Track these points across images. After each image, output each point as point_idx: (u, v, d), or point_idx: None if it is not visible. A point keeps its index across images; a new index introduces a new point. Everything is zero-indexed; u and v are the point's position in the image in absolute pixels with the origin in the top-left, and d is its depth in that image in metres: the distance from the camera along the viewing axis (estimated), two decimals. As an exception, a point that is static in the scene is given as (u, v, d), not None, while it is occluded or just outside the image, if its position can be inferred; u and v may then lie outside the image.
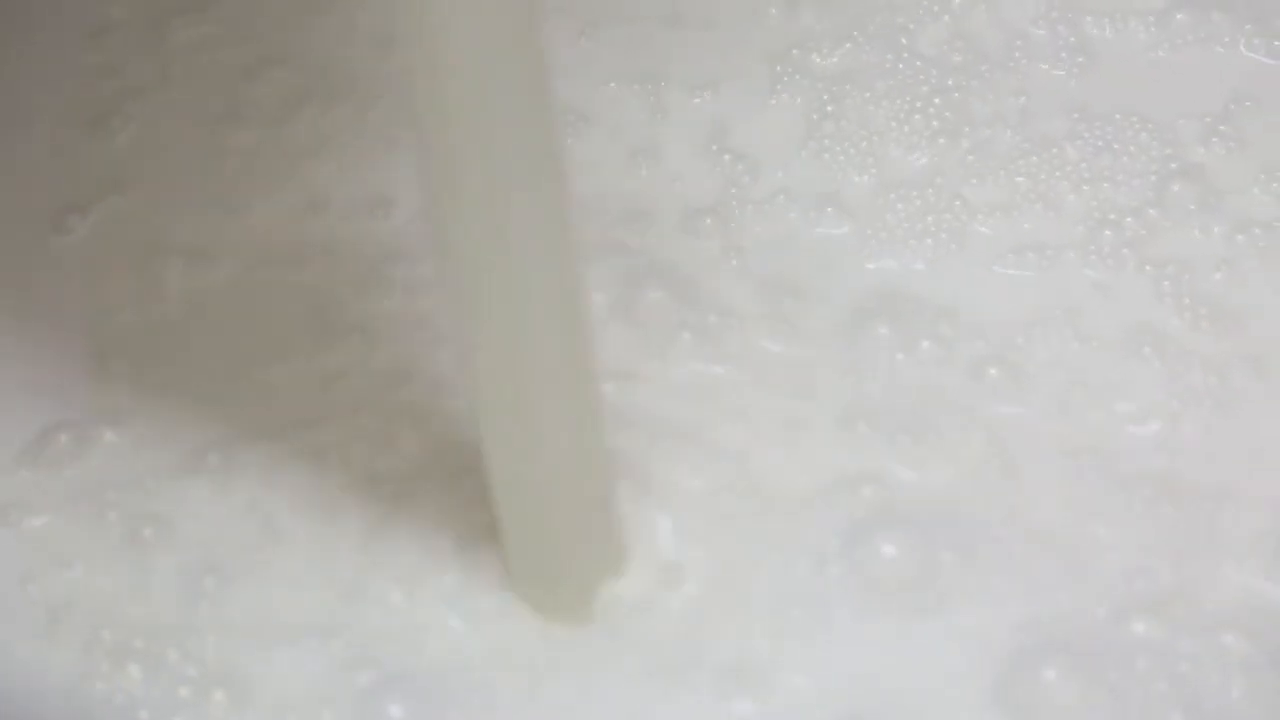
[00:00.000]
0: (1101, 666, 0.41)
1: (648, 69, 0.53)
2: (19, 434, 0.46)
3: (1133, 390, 0.46)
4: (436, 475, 0.45)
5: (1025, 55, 0.53)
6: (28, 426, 0.46)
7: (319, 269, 0.49)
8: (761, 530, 0.44)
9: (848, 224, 0.50)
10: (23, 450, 0.46)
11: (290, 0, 0.55)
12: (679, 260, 0.49)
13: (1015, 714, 0.41)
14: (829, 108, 0.52)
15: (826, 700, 0.41)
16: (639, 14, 0.54)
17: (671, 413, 0.46)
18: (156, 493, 0.45)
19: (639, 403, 0.46)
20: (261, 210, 0.50)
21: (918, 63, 0.53)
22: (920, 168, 0.51)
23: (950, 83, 0.52)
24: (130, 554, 0.44)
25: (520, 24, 0.35)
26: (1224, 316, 0.47)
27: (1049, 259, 0.49)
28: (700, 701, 0.41)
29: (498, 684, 0.42)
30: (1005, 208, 0.50)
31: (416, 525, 0.44)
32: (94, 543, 0.44)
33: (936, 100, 0.52)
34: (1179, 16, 0.53)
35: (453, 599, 0.43)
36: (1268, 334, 0.46)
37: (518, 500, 0.41)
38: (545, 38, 0.36)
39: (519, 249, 0.37)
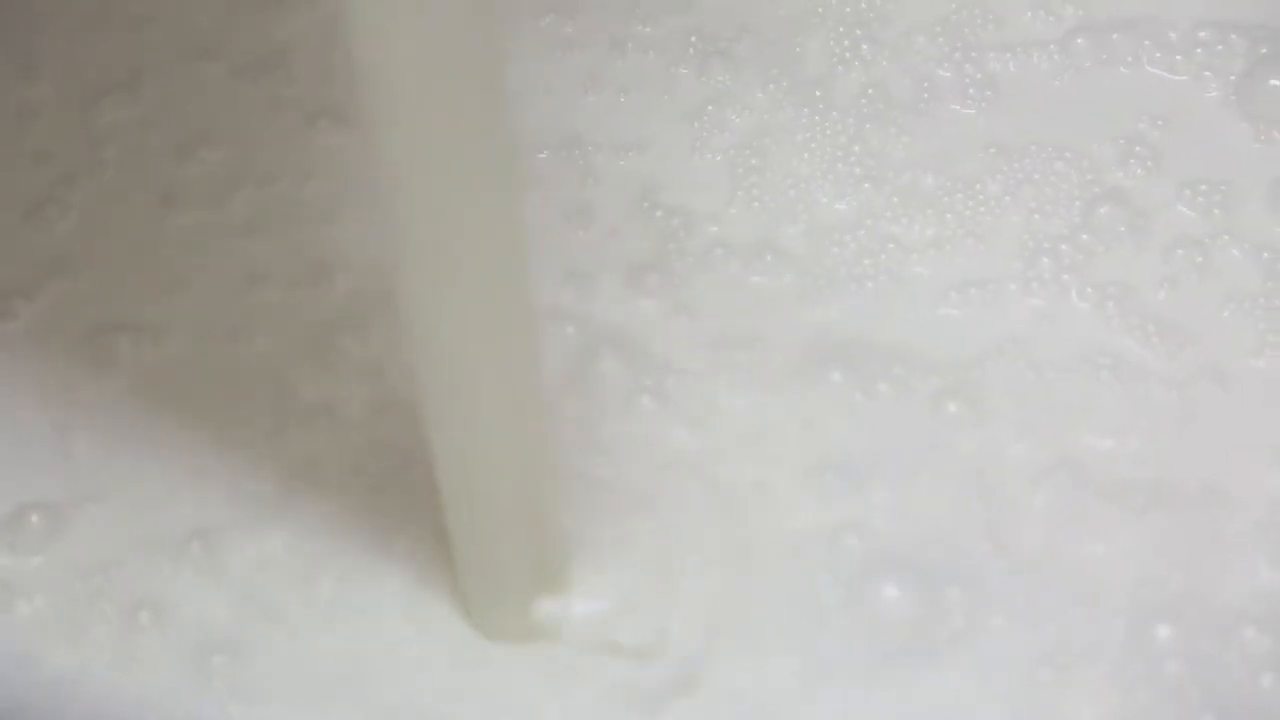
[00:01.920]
0: (1129, 679, 0.42)
1: (572, 134, 0.53)
2: None
3: (1097, 411, 0.47)
4: (416, 538, 0.45)
5: (934, 97, 0.54)
6: None
7: (267, 340, 0.49)
8: (750, 588, 0.44)
9: (788, 272, 0.50)
10: None
11: (215, 79, 0.54)
12: (626, 323, 0.49)
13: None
14: (752, 161, 0.53)
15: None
16: (556, 82, 0.54)
17: (637, 479, 0.46)
18: (144, 574, 0.45)
19: (602, 471, 0.46)
20: (204, 286, 0.50)
21: (833, 113, 0.54)
22: (849, 213, 0.52)
23: (867, 128, 0.53)
24: (131, 637, 0.44)
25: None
26: (1175, 332, 0.48)
27: (991, 292, 0.49)
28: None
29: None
30: (938, 245, 0.51)
31: (396, 586, 0.45)
32: (92, 625, 0.44)
33: (856, 148, 0.53)
34: (1079, 41, 0.54)
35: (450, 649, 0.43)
36: (1221, 345, 0.48)
37: (465, 523, 0.42)
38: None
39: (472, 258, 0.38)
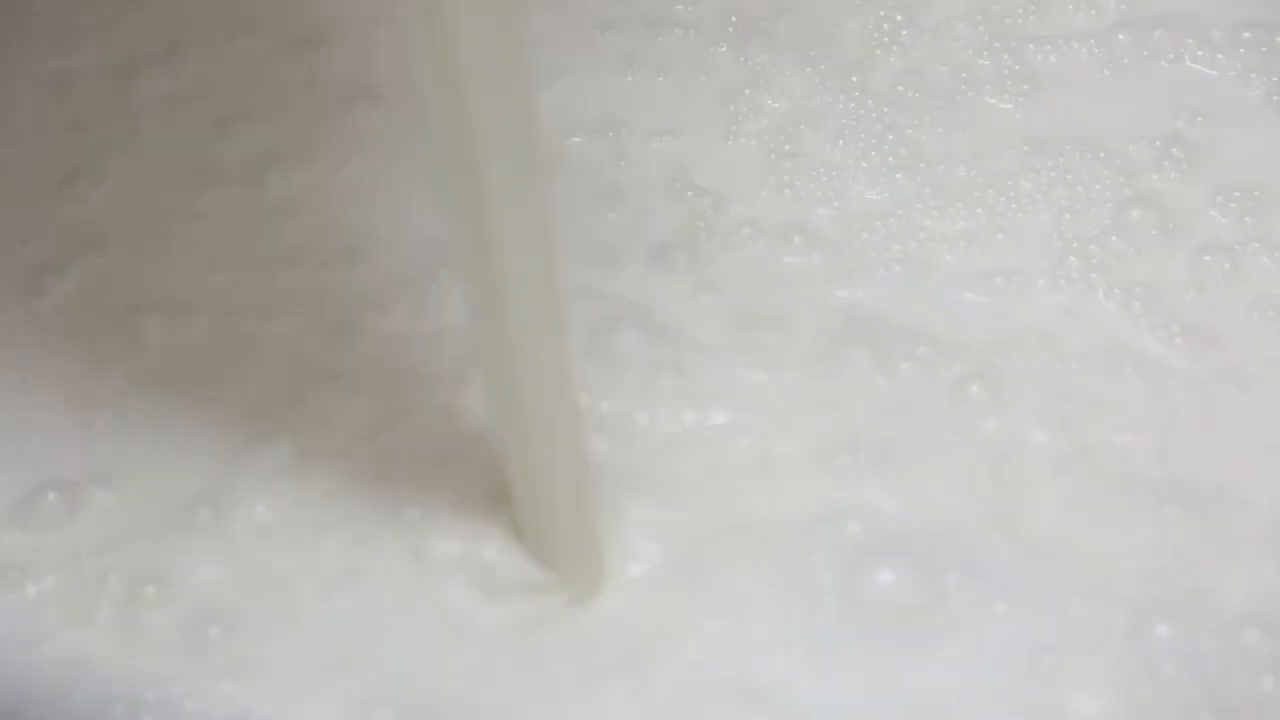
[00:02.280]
0: (1128, 675, 0.42)
1: (607, 116, 0.53)
2: (7, 494, 0.46)
3: (1118, 405, 0.47)
4: (421, 507, 0.45)
5: (972, 89, 0.54)
6: (15, 487, 0.46)
7: (295, 320, 0.49)
8: (754, 566, 0.44)
9: (816, 253, 0.50)
10: (11, 511, 0.46)
11: (254, 54, 0.54)
12: (652, 300, 0.49)
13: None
14: (786, 146, 0.53)
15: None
16: (594, 63, 0.54)
17: (655, 453, 0.46)
18: (152, 548, 0.45)
19: (621, 445, 0.46)
20: (236, 265, 0.50)
21: (869, 101, 0.53)
22: (880, 201, 0.51)
23: (902, 118, 0.53)
24: (134, 611, 0.44)
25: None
26: (1198, 335, 0.48)
27: (1018, 285, 0.49)
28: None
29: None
30: (968, 238, 0.50)
31: (405, 558, 0.45)
32: (99, 602, 0.44)
33: (890, 137, 0.53)
34: (1120, 36, 0.54)
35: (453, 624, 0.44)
36: (1244, 350, 0.47)
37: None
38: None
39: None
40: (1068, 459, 0.46)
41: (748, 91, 0.54)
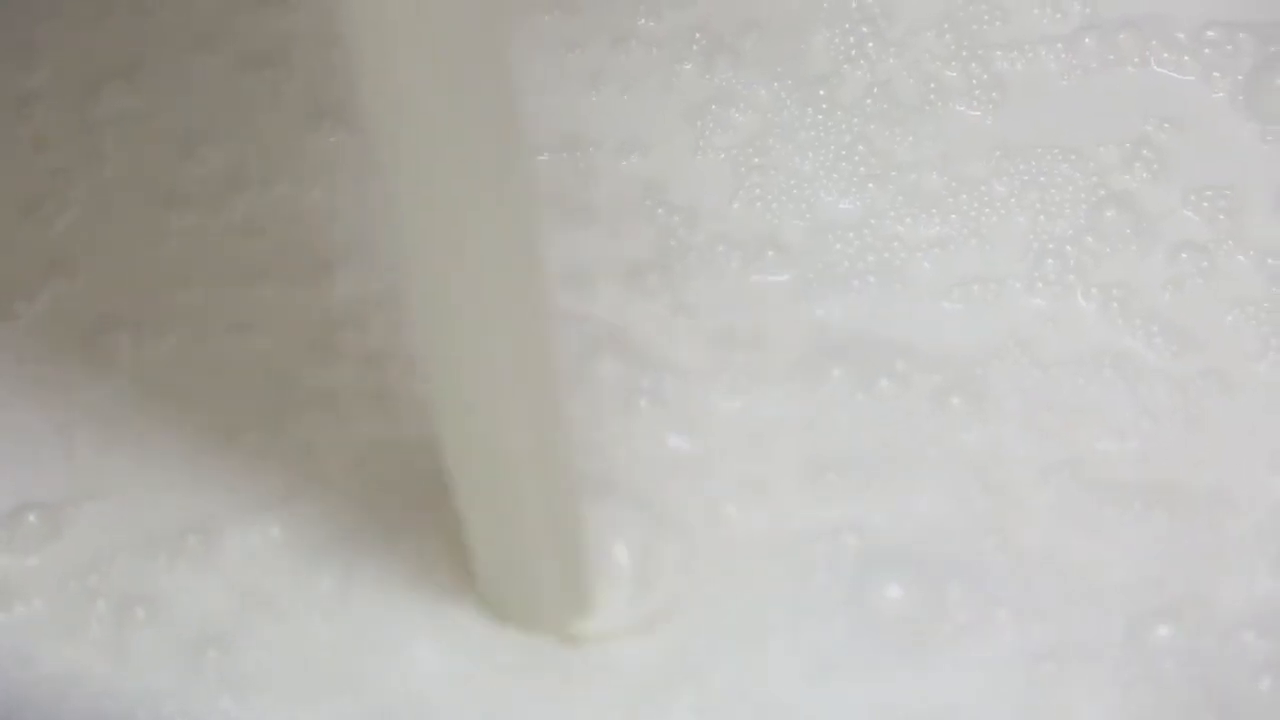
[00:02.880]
0: (1128, 679, 0.42)
1: (573, 134, 0.53)
2: None
3: (1102, 410, 0.47)
4: (415, 531, 0.45)
5: (940, 98, 0.53)
6: None
7: (267, 337, 0.49)
8: (754, 586, 0.44)
9: (790, 268, 0.50)
10: None
11: (215, 71, 0.54)
12: (627, 324, 0.49)
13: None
14: (755, 160, 0.52)
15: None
16: (559, 81, 0.54)
17: (641, 481, 0.46)
18: (140, 570, 0.45)
19: (605, 475, 0.46)
20: (204, 283, 0.50)
21: (838, 112, 0.53)
22: (853, 211, 0.51)
23: (872, 128, 0.53)
24: (126, 632, 0.44)
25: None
26: (1179, 336, 0.48)
27: (995, 291, 0.49)
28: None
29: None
30: (942, 244, 0.50)
31: (400, 581, 0.44)
32: (88, 622, 0.44)
33: (860, 147, 0.52)
34: (1087, 40, 0.54)
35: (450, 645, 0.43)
36: (1226, 350, 0.47)
37: (489, 535, 0.42)
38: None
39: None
40: (1054, 467, 0.46)
41: (714, 106, 0.53)
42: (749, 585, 0.44)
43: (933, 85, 0.54)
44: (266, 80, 0.54)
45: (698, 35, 0.55)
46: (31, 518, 0.45)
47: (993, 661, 0.42)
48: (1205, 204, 0.50)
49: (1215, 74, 0.53)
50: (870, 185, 0.52)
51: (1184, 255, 0.49)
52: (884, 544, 0.44)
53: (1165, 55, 0.54)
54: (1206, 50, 0.53)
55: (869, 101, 0.53)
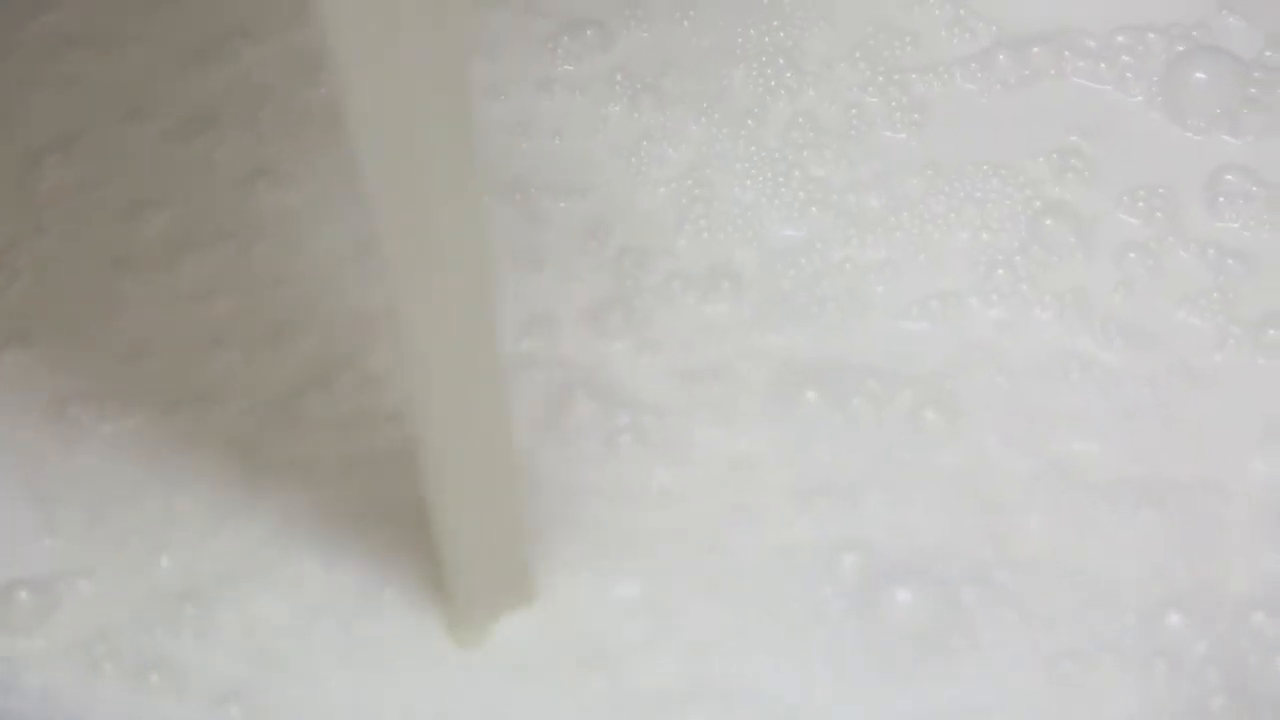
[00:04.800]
0: (1146, 669, 0.43)
1: (511, 179, 0.53)
2: None
3: (1075, 413, 0.47)
4: (403, 584, 0.45)
5: (865, 124, 0.54)
6: None
7: (234, 405, 0.48)
8: (762, 605, 0.45)
9: (747, 300, 0.50)
10: None
11: (147, 140, 0.54)
12: (595, 366, 0.49)
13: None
14: (696, 191, 0.53)
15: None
16: (487, 128, 0.54)
17: (633, 519, 0.46)
18: (145, 639, 0.44)
19: (597, 516, 0.46)
20: (163, 351, 0.49)
21: (769, 142, 0.54)
22: (799, 238, 0.52)
23: (805, 155, 0.53)
24: (144, 698, 0.43)
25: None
26: (1137, 334, 0.49)
27: (952, 306, 0.50)
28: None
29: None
30: (893, 264, 0.51)
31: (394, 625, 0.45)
32: (105, 691, 0.43)
33: (796, 174, 0.53)
34: (1000, 57, 0.55)
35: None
36: (1184, 344, 0.49)
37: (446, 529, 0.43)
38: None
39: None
40: (1040, 472, 0.46)
41: (645, 143, 0.54)
42: (758, 604, 0.44)
43: (854, 111, 0.55)
44: (200, 145, 0.53)
45: (619, 77, 0.55)
46: (23, 595, 0.45)
47: (1011, 664, 0.43)
48: (1140, 204, 0.52)
49: (1129, 77, 0.55)
50: (813, 210, 0.52)
51: (1131, 255, 0.51)
52: (884, 559, 0.45)
53: (1080, 64, 0.55)
54: (1124, 56, 0.55)
55: (795, 132, 0.54)
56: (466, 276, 0.40)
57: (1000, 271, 0.51)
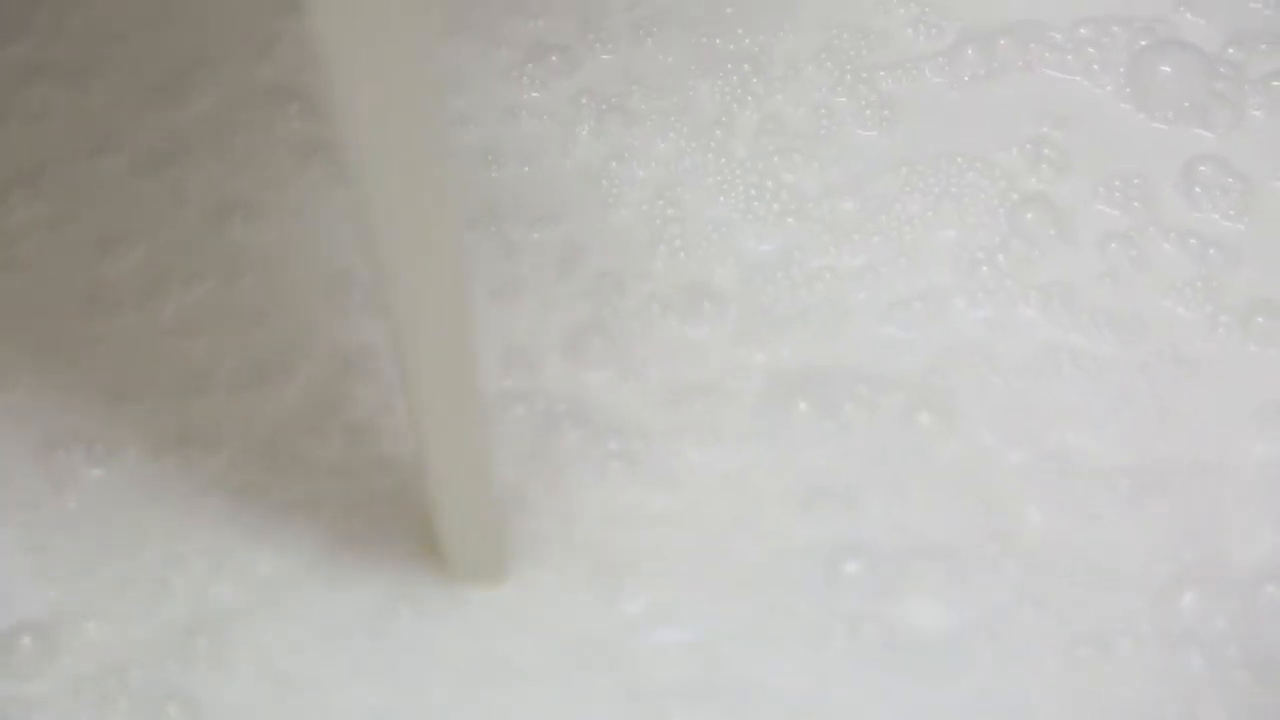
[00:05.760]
0: (1164, 649, 0.43)
1: (482, 209, 0.52)
2: None
3: (1069, 405, 0.47)
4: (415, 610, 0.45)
5: (834, 123, 0.54)
6: None
7: (225, 447, 0.48)
8: (775, 612, 0.45)
9: (728, 315, 0.50)
10: None
11: (116, 173, 0.53)
12: (579, 393, 0.49)
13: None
14: (668, 211, 0.52)
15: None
16: (459, 156, 0.53)
17: (635, 540, 0.46)
18: (158, 673, 0.44)
19: (594, 540, 0.46)
20: (146, 393, 0.49)
21: (739, 153, 0.53)
22: (776, 251, 0.51)
23: (776, 162, 0.53)
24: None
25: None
26: (1124, 324, 0.49)
27: (937, 307, 0.50)
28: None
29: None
30: (873, 269, 0.51)
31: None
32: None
33: (769, 184, 0.53)
34: (969, 52, 0.55)
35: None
36: (1171, 330, 0.49)
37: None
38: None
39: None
40: (1037, 466, 0.46)
41: (615, 164, 0.53)
42: (769, 607, 0.45)
43: (823, 113, 0.54)
44: (169, 178, 0.53)
45: (584, 100, 0.55)
46: (27, 640, 0.45)
47: (1029, 653, 0.43)
48: (1117, 194, 0.52)
49: (1096, 69, 0.54)
50: (788, 220, 0.52)
51: (1113, 246, 0.50)
52: (892, 559, 0.45)
53: (1047, 56, 0.55)
54: (1090, 49, 0.54)
55: (765, 138, 0.54)
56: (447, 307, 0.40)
57: (984, 269, 0.50)
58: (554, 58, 0.55)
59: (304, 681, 0.44)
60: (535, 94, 0.55)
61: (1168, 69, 0.54)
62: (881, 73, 0.55)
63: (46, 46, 0.55)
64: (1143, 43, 0.54)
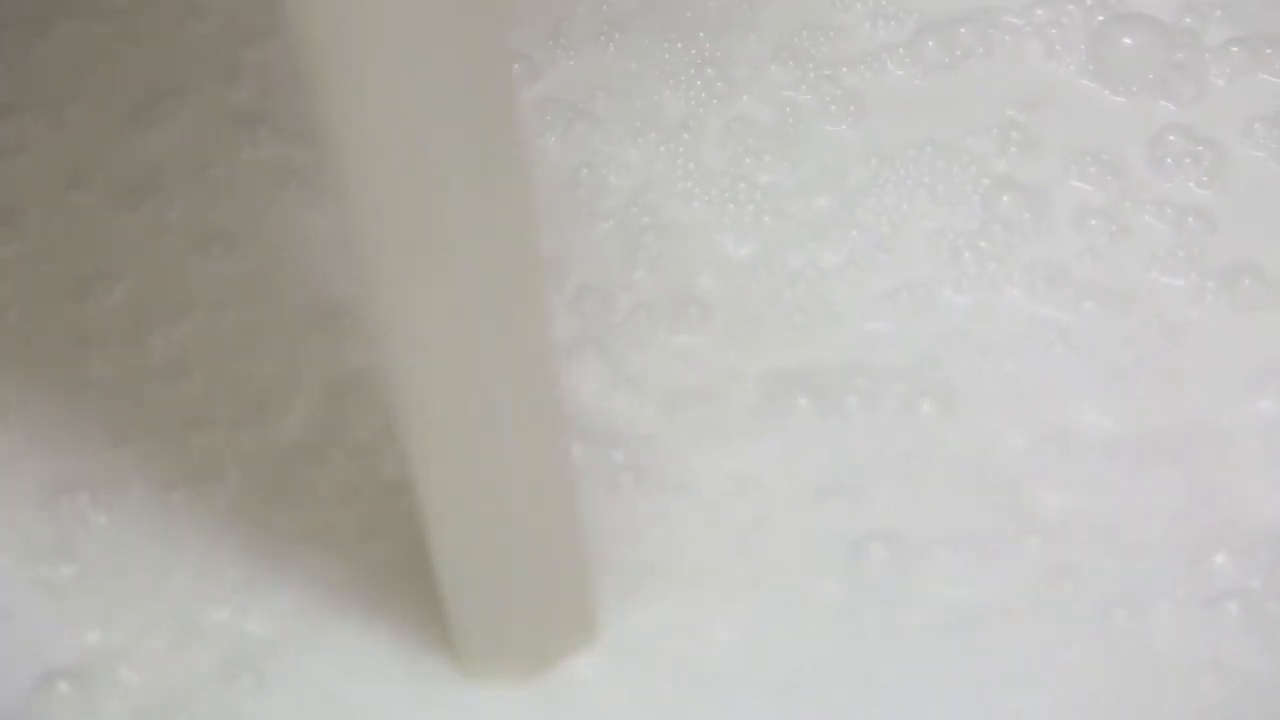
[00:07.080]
0: (1203, 606, 0.44)
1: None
2: (11, 689, 0.44)
3: (1066, 382, 0.48)
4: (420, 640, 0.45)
5: (802, 122, 0.54)
6: (18, 681, 0.44)
7: (231, 484, 0.47)
8: (807, 606, 0.45)
9: (716, 320, 0.50)
10: (22, 709, 0.43)
11: (90, 208, 0.52)
12: (577, 407, 0.48)
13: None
14: (644, 219, 0.52)
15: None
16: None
17: (648, 554, 0.46)
18: (211, 709, 0.44)
19: (613, 554, 0.46)
20: (143, 435, 0.48)
21: (711, 156, 0.53)
22: (755, 252, 0.51)
23: (746, 166, 0.53)
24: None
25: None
26: (1111, 299, 0.49)
27: (924, 297, 0.50)
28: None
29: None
30: (856, 264, 0.51)
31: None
32: None
33: (742, 185, 0.53)
34: (930, 43, 0.55)
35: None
36: (1158, 302, 0.49)
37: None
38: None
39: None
40: (1044, 443, 0.47)
41: (585, 171, 0.53)
42: (797, 600, 0.45)
43: (789, 110, 0.54)
44: (147, 211, 0.52)
45: (550, 107, 0.54)
46: (63, 687, 0.44)
47: (1065, 621, 0.44)
48: (1090, 170, 0.52)
49: (1058, 49, 0.55)
50: (765, 220, 0.52)
51: (1092, 222, 0.51)
52: (914, 544, 0.45)
53: (1007, 40, 0.55)
54: (1046, 30, 0.55)
55: (733, 140, 0.54)
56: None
57: (965, 255, 0.50)
58: (516, 66, 0.55)
59: (356, 708, 0.43)
60: (500, 103, 0.55)
61: (1129, 41, 0.54)
62: (844, 68, 0.55)
63: (11, 80, 0.55)
64: (1100, 18, 0.55)
